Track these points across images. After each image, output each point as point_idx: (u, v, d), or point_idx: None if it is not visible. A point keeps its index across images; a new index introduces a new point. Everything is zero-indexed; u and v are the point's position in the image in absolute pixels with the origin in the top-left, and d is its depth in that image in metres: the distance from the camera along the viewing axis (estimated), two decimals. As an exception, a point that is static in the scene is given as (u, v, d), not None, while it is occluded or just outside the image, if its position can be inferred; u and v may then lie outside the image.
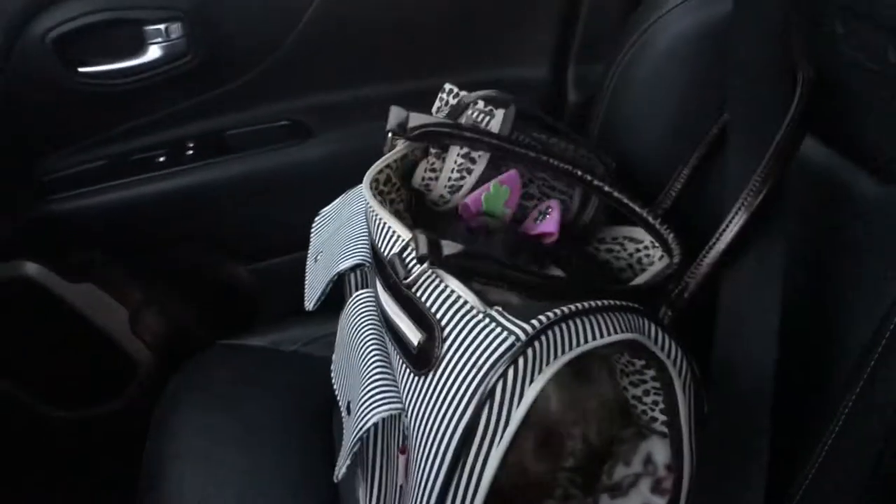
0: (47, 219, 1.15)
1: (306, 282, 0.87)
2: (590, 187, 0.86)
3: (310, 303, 0.84)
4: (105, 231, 1.20)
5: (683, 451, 0.69)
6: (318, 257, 0.87)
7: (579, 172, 0.86)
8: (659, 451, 0.74)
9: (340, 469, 0.68)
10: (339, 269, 0.80)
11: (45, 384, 1.25)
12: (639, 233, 0.89)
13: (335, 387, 0.79)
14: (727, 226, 0.72)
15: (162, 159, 1.14)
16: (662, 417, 0.72)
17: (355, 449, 0.67)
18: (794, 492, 0.68)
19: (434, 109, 0.92)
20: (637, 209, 0.85)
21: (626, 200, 0.86)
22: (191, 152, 1.14)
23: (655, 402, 0.72)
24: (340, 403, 0.76)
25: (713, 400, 0.70)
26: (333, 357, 0.82)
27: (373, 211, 0.74)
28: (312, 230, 0.93)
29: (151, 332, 1.26)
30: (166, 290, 1.29)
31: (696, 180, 0.92)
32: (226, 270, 1.29)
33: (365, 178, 0.77)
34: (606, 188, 0.86)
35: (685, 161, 0.92)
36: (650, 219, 0.84)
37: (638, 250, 0.89)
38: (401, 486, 0.70)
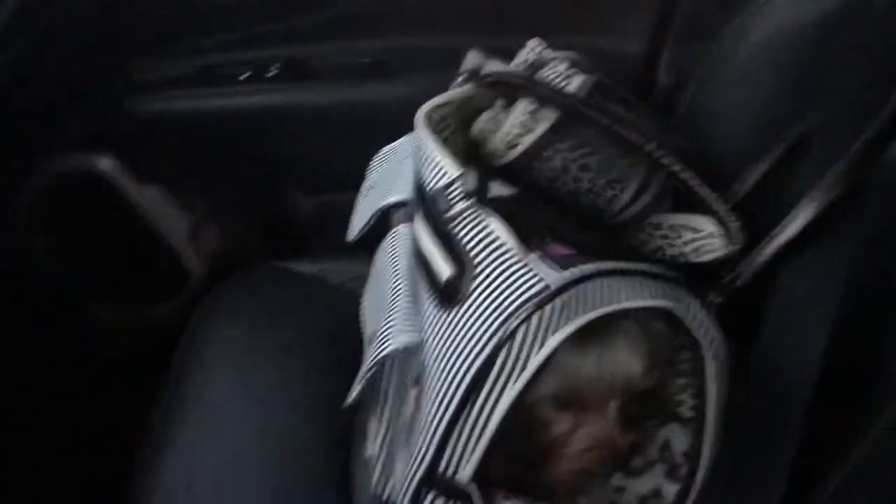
0: (129, 118, 1.18)
1: (353, 214, 0.87)
2: (657, 165, 0.83)
3: (352, 234, 0.84)
4: (180, 139, 1.23)
5: (704, 439, 0.67)
6: (370, 192, 0.87)
7: (649, 147, 0.83)
8: (678, 438, 0.71)
9: (352, 394, 0.68)
10: (384, 203, 0.80)
11: (98, 280, 1.29)
12: (699, 221, 0.85)
13: (363, 318, 0.79)
14: (793, 217, 0.69)
15: (245, 76, 1.16)
16: (691, 402, 0.69)
17: (369, 375, 0.67)
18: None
19: (513, 64, 0.91)
20: (704, 193, 0.82)
21: (692, 184, 0.82)
22: (273, 73, 1.15)
23: (685, 386, 0.70)
24: (366, 334, 0.76)
25: (746, 393, 0.68)
26: (366, 289, 0.82)
27: (422, 141, 0.73)
28: (371, 166, 0.93)
29: (208, 247, 1.28)
30: (229, 207, 1.31)
31: (771, 179, 0.88)
32: (289, 197, 1.30)
33: (420, 110, 0.76)
34: (675, 168, 0.83)
35: (763, 158, 0.89)
36: (715, 205, 0.81)
37: (695, 239, 0.85)
38: (410, 421, 0.70)
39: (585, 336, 0.58)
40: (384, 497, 0.76)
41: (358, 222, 0.85)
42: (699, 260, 0.83)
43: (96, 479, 0.89)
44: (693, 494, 0.68)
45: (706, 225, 0.85)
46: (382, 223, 0.86)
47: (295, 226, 1.32)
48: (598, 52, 0.93)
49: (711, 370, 0.65)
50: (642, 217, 0.87)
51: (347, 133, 1.16)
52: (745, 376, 0.68)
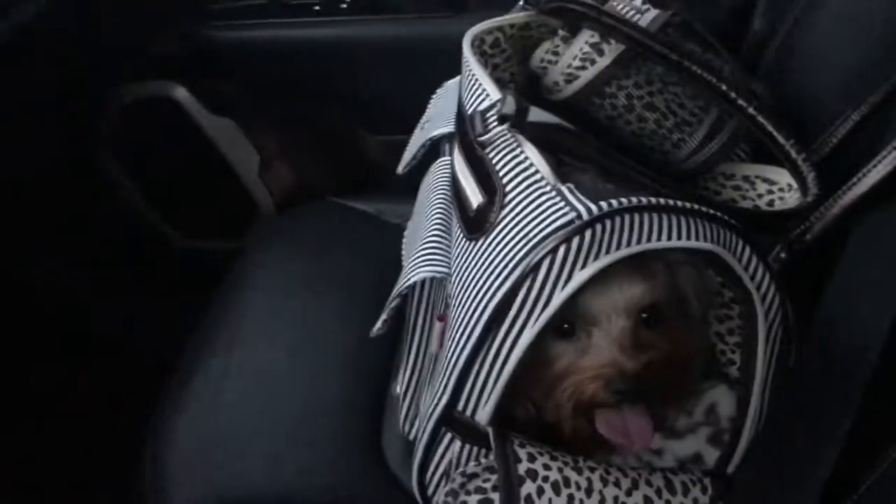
0: (202, 48, 1.19)
1: (408, 147, 0.84)
2: (732, 106, 0.76)
3: (401, 167, 0.81)
4: (252, 72, 1.22)
5: (751, 402, 0.62)
6: (425, 125, 0.84)
7: (723, 87, 0.76)
8: (725, 401, 0.66)
9: (377, 325, 0.65)
10: (432, 135, 0.77)
11: (171, 208, 1.31)
12: (776, 173, 0.79)
13: (403, 251, 0.76)
14: (873, 167, 0.62)
15: (317, 7, 1.14)
16: (740, 362, 0.64)
17: (394, 304, 0.64)
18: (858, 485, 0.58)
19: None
20: (780, 138, 0.74)
21: (769, 127, 0.75)
22: (345, 6, 1.13)
23: (738, 344, 0.64)
24: (404, 266, 0.73)
25: (803, 361, 0.61)
26: (409, 223, 0.80)
27: (467, 64, 0.69)
28: (431, 100, 0.89)
29: (278, 182, 1.28)
30: (300, 144, 1.30)
31: (862, 133, 0.80)
32: (359, 136, 1.29)
33: (468, 33, 0.72)
34: (750, 110, 0.76)
35: (855, 109, 0.80)
36: (793, 152, 0.74)
37: (770, 192, 0.79)
38: (435, 355, 0.67)
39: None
40: (410, 436, 0.74)
41: (407, 155, 0.81)
42: (768, 209, 0.76)
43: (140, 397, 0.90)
44: (735, 461, 0.63)
45: (783, 177, 0.78)
46: (434, 157, 0.83)
47: (363, 164, 1.30)
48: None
49: (762, 327, 0.59)
50: (712, 164, 0.80)
51: (420, 70, 1.12)
52: (804, 343, 0.62)
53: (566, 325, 0.58)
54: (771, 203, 0.78)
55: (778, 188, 0.78)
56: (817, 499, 0.55)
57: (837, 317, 0.61)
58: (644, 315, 0.58)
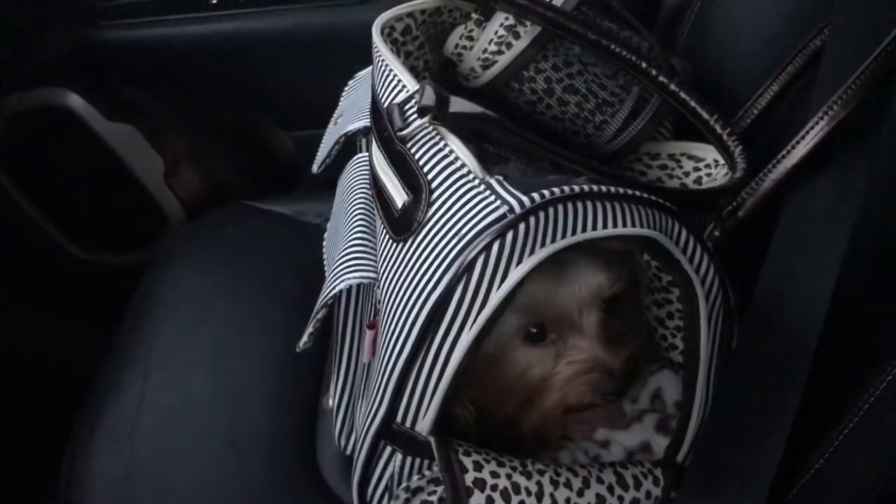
0: (97, 47, 1.11)
1: (321, 144, 0.80)
2: (653, 83, 0.74)
3: (316, 165, 0.77)
4: (153, 71, 1.16)
5: (697, 386, 0.60)
6: (339, 120, 0.80)
7: (644, 65, 0.74)
8: (669, 386, 0.65)
9: (303, 338, 0.61)
10: (346, 130, 0.73)
11: (72, 222, 1.23)
12: (700, 149, 0.77)
13: (324, 255, 0.72)
14: (802, 137, 0.61)
15: (214, 2, 1.08)
16: (682, 346, 0.62)
17: (319, 316, 0.60)
18: (809, 466, 0.58)
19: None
20: (704, 114, 0.73)
21: (692, 103, 0.73)
22: (245, -2, 1.08)
23: (678, 328, 0.63)
24: (326, 272, 0.69)
25: (746, 339, 0.60)
26: (328, 224, 0.76)
27: (378, 54, 0.65)
28: (343, 92, 0.85)
29: (186, 187, 1.21)
30: (208, 145, 1.24)
31: (783, 102, 0.79)
32: (270, 133, 1.23)
33: (377, 20, 0.68)
34: (672, 86, 0.74)
35: (774, 78, 0.79)
36: (717, 127, 0.72)
37: (697, 169, 0.77)
38: (367, 365, 0.63)
39: (548, 259, 0.51)
40: (346, 451, 0.70)
41: (321, 153, 0.77)
42: (699, 188, 0.75)
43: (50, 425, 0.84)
44: (685, 448, 0.61)
45: (709, 153, 0.77)
46: (351, 153, 0.79)
47: (277, 164, 1.24)
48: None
49: (704, 310, 0.58)
50: (636, 144, 0.78)
51: (329, 60, 1.08)
52: (746, 320, 0.60)
53: (533, 330, 0.55)
54: (699, 181, 0.77)
55: (704, 164, 0.77)
56: (770, 480, 0.54)
57: (776, 293, 0.59)
58: (610, 304, 0.57)
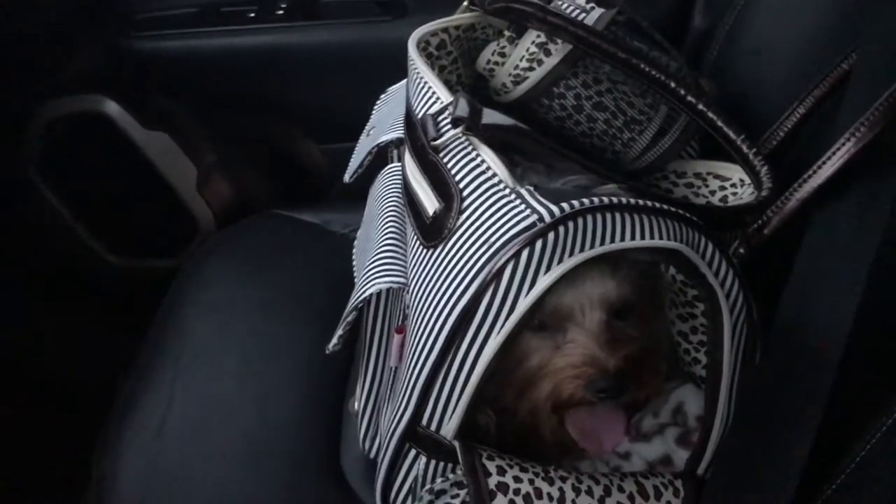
0: (133, 57, 1.14)
1: (353, 154, 0.82)
2: (681, 102, 0.75)
3: (348, 175, 0.79)
4: (187, 81, 1.18)
5: (719, 400, 0.61)
6: (371, 132, 0.81)
7: (672, 84, 0.75)
8: (692, 400, 0.66)
9: (332, 342, 0.63)
10: (378, 141, 0.74)
11: (105, 227, 1.25)
12: (727, 169, 0.78)
13: (354, 262, 0.74)
14: (829, 158, 0.62)
15: (252, 15, 1.11)
16: (705, 360, 0.63)
17: (349, 319, 0.61)
18: (830, 483, 0.58)
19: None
20: (731, 134, 0.74)
21: (719, 123, 0.75)
22: (281, 12, 1.10)
23: (701, 343, 0.64)
24: (356, 278, 0.70)
25: (768, 355, 0.61)
26: (359, 233, 0.77)
27: (414, 67, 0.66)
28: (376, 106, 0.87)
29: (217, 195, 1.23)
30: (239, 155, 1.26)
31: (810, 123, 0.80)
32: (300, 145, 1.25)
33: (413, 34, 0.70)
34: (700, 106, 0.75)
35: (802, 100, 0.80)
36: (744, 147, 0.73)
37: (723, 188, 0.78)
38: (394, 369, 0.64)
39: None
40: (371, 454, 0.71)
41: (353, 163, 0.79)
42: (726, 206, 0.76)
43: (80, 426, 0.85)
44: (705, 462, 0.62)
45: (734, 172, 0.78)
46: (382, 164, 0.80)
47: (306, 175, 1.26)
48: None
49: (728, 324, 0.59)
50: (663, 162, 0.80)
51: (360, 76, 1.10)
52: (770, 337, 0.61)
53: (537, 322, 0.56)
54: (724, 199, 0.78)
55: (730, 184, 0.78)
56: (792, 496, 0.55)
57: (799, 312, 0.60)
58: (617, 308, 0.58)
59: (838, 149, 0.61)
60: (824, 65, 0.78)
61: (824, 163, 0.62)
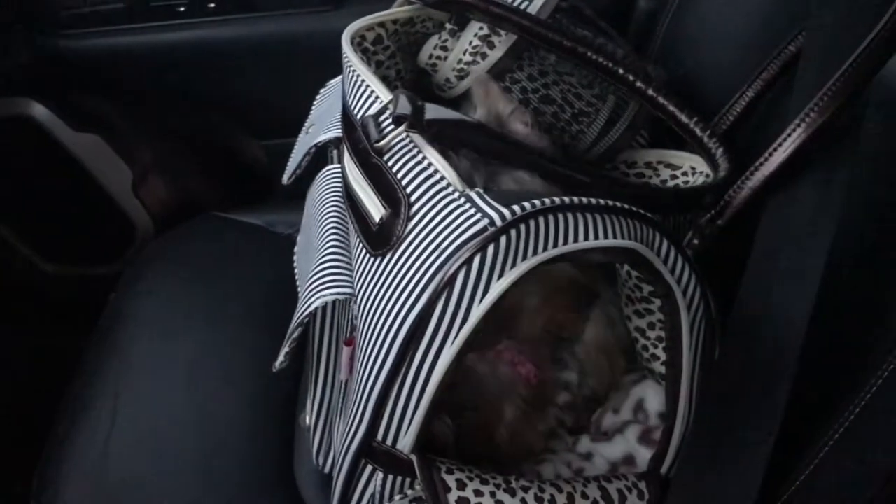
0: (60, 56, 1.08)
1: (292, 154, 0.78)
2: (630, 89, 0.74)
3: (286, 176, 0.76)
4: (120, 80, 1.13)
5: (680, 397, 0.60)
6: (310, 129, 0.78)
7: (620, 70, 0.74)
8: (652, 397, 0.65)
9: (279, 359, 0.60)
10: (317, 140, 0.71)
11: (39, 234, 1.20)
12: (678, 157, 0.77)
13: (296, 269, 0.71)
14: (781, 143, 0.60)
15: (182, 9, 1.06)
16: (664, 356, 0.62)
17: (295, 335, 0.59)
18: (794, 477, 0.57)
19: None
20: (683, 118, 0.73)
21: (671, 108, 0.73)
22: (212, 5, 1.05)
23: (659, 339, 0.63)
24: (299, 288, 0.68)
25: (727, 348, 0.60)
26: (298, 237, 0.74)
27: (349, 64, 0.63)
28: (315, 101, 0.84)
29: (154, 197, 1.18)
30: (177, 155, 1.21)
31: (760, 107, 0.79)
32: (239, 142, 1.21)
33: (346, 30, 0.67)
34: (650, 91, 0.74)
35: (751, 83, 0.79)
36: (697, 130, 0.72)
37: (675, 176, 0.77)
38: (345, 382, 0.62)
39: None
40: (325, 469, 0.69)
41: (291, 163, 0.76)
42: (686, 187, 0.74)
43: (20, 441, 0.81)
44: (668, 460, 0.61)
45: (685, 160, 0.77)
46: (322, 163, 0.77)
47: (248, 173, 1.22)
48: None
49: (686, 321, 0.57)
50: (613, 153, 0.78)
51: (300, 69, 1.06)
52: (728, 331, 0.60)
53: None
54: (676, 188, 0.77)
55: (682, 172, 0.77)
56: (756, 492, 0.54)
57: (757, 303, 0.59)
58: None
59: (789, 135, 0.60)
60: (772, 47, 0.77)
61: (775, 150, 0.61)
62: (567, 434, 0.67)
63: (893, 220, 0.60)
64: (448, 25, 0.73)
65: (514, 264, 0.50)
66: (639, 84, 0.74)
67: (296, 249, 0.73)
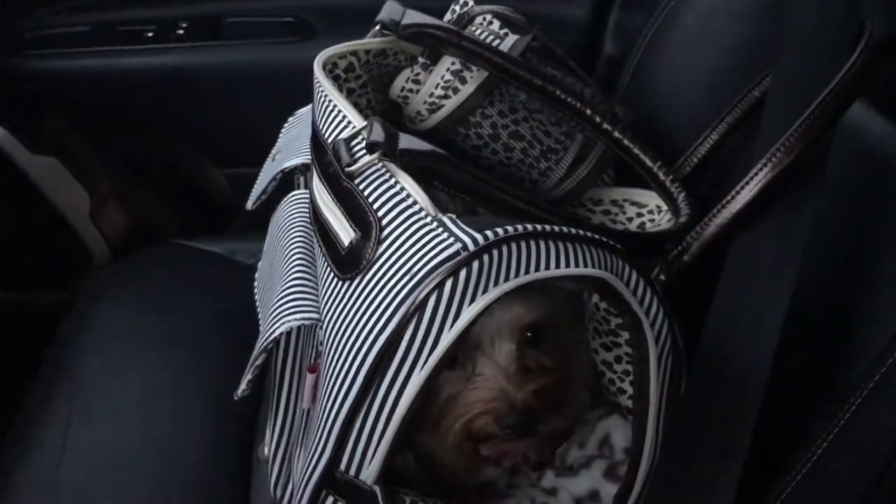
0: (21, 77, 1.07)
1: (258, 179, 0.78)
2: (597, 130, 0.75)
3: (250, 202, 0.75)
4: (79, 104, 1.11)
5: (647, 432, 0.59)
6: (277, 156, 0.78)
7: (588, 111, 0.75)
8: (618, 432, 0.64)
9: (241, 386, 0.58)
10: (284, 167, 0.71)
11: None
12: (644, 196, 0.78)
13: (257, 297, 0.69)
14: (747, 182, 0.61)
15: (150, 34, 1.05)
16: (630, 390, 0.61)
17: (258, 362, 0.57)
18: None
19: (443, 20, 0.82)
20: (647, 161, 0.74)
21: (635, 150, 0.74)
22: (181, 32, 1.05)
23: (626, 372, 0.62)
24: (260, 315, 0.66)
25: (694, 382, 0.60)
26: (259, 264, 0.73)
27: (321, 89, 0.63)
28: (283, 129, 0.83)
29: (112, 224, 1.16)
30: (138, 181, 1.19)
31: (724, 150, 0.81)
32: (203, 170, 1.20)
33: (319, 56, 0.67)
34: (616, 133, 0.75)
35: (714, 127, 0.81)
36: (660, 174, 0.73)
37: (640, 214, 0.78)
38: (307, 411, 0.60)
39: None
40: (283, 502, 0.67)
41: (257, 189, 0.75)
42: (645, 231, 0.75)
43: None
44: (633, 496, 0.60)
45: (651, 199, 0.78)
46: (287, 190, 0.77)
47: (210, 202, 1.21)
48: (541, 17, 0.85)
49: (653, 354, 0.57)
50: (580, 190, 0.79)
51: (267, 99, 1.06)
52: (694, 365, 0.60)
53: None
54: (642, 226, 0.77)
55: (647, 210, 0.77)
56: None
57: (723, 338, 0.59)
58: (528, 334, 0.57)
59: (756, 173, 0.61)
60: (736, 91, 0.79)
61: (742, 188, 0.62)
62: (530, 469, 0.67)
63: (856, 248, 0.61)
64: (421, 59, 0.73)
65: (485, 289, 0.49)
66: (605, 125, 0.75)
67: (257, 276, 0.72)
